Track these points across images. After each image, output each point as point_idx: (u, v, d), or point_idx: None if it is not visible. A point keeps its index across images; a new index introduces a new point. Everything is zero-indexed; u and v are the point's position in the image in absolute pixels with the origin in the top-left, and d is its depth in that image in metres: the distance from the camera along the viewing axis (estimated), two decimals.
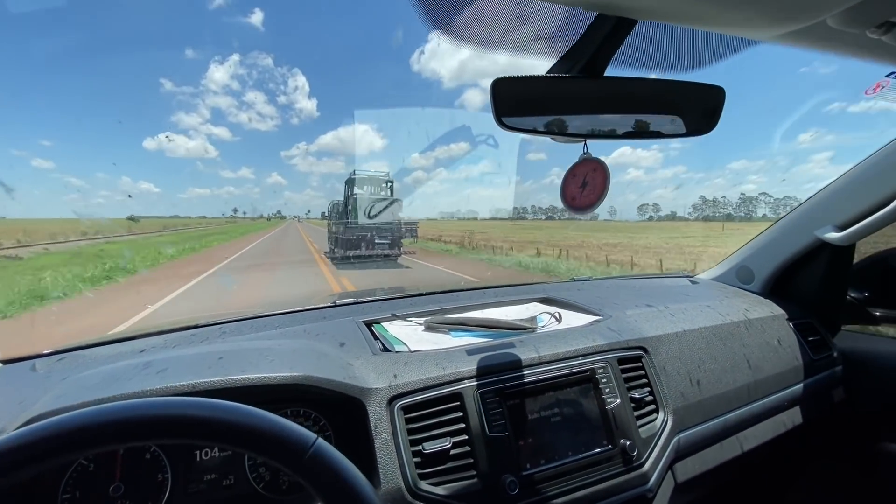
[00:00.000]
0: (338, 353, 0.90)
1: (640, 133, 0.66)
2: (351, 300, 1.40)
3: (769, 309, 1.33)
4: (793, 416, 1.20)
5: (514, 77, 0.61)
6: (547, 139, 0.71)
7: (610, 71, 0.65)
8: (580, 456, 0.82)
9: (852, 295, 1.44)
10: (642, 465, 0.86)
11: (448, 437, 0.77)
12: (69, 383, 0.76)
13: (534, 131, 0.65)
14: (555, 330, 1.03)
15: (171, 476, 0.76)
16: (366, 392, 0.79)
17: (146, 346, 0.94)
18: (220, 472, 0.79)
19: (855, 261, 1.43)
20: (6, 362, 0.95)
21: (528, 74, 0.63)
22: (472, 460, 0.76)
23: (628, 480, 0.84)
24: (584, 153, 0.70)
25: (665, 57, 0.66)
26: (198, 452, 0.79)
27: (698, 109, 0.65)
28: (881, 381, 1.30)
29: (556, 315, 1.13)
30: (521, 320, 1.07)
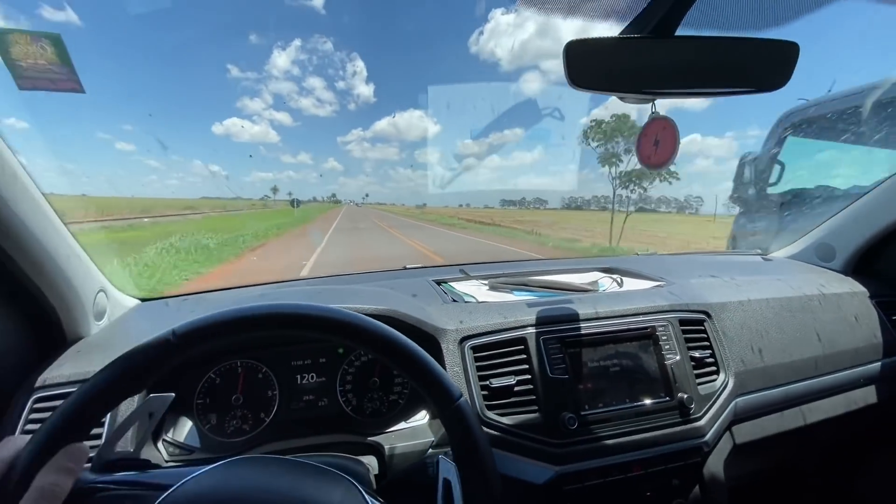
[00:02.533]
0: (412, 300, 1.01)
1: (710, 91, 0.69)
2: (420, 265, 1.52)
3: (849, 286, 1.27)
4: (866, 395, 1.16)
5: (585, 39, 0.66)
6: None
7: (681, 31, 0.68)
8: (637, 404, 0.87)
9: None
10: (699, 419, 0.89)
11: (513, 376, 0.85)
12: (203, 309, 0.93)
13: (604, 91, 0.69)
14: (615, 292, 1.07)
15: (279, 393, 0.91)
16: (440, 331, 0.89)
17: (260, 291, 1.11)
18: (317, 394, 0.93)
19: None
20: (143, 300, 1.15)
21: (599, 36, 0.67)
22: (534, 397, 0.84)
23: (685, 431, 0.87)
24: (653, 112, 0.73)
25: (737, 14, 0.68)
26: (299, 376, 0.93)
27: (769, 65, 0.66)
28: None
29: (618, 280, 1.17)
30: (582, 283, 1.12)
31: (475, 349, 0.87)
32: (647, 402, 0.87)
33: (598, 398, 0.86)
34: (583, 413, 0.83)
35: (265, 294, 1.05)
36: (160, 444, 0.80)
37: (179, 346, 0.46)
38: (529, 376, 0.85)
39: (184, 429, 0.85)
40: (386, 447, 0.82)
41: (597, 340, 0.90)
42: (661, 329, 0.94)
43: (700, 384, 0.93)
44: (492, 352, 0.87)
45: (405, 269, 1.50)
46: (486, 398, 0.84)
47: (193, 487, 0.46)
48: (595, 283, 1.13)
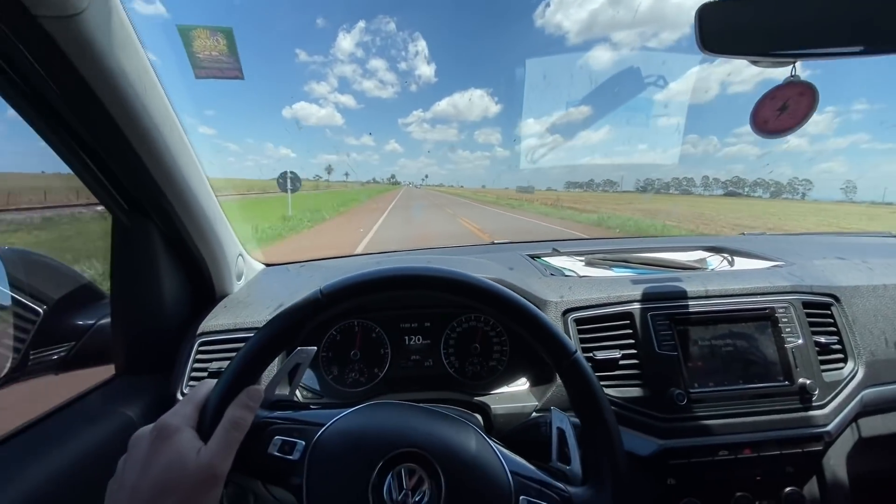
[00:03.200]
0: (511, 272, 1.04)
1: (872, 50, 0.62)
2: (508, 240, 1.55)
3: None
4: None
5: (721, 1, 0.63)
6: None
7: None
8: (751, 385, 0.83)
9: None
10: (822, 406, 0.84)
11: (618, 350, 0.85)
12: (322, 274, 1.04)
13: (739, 55, 0.65)
14: (727, 270, 1.02)
15: (390, 352, 0.99)
16: (542, 302, 0.91)
17: (376, 260, 1.21)
18: (423, 355, 1.01)
19: None
20: (268, 265, 1.30)
21: None
22: (639, 371, 0.84)
23: (804, 418, 0.83)
24: (792, 76, 0.68)
25: None
26: (407, 337, 1.01)
27: None
28: None
29: (728, 259, 1.11)
30: (688, 261, 1.08)
31: (578, 322, 0.89)
32: (764, 385, 0.84)
33: (709, 377, 0.84)
34: (692, 391, 0.82)
35: (380, 262, 1.14)
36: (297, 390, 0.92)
37: (326, 304, 0.53)
38: (635, 351, 0.85)
39: (310, 378, 0.97)
40: (491, 407, 0.87)
41: (709, 319, 0.87)
42: (781, 311, 0.88)
43: (825, 371, 0.87)
44: (596, 325, 0.88)
45: (493, 244, 1.53)
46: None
47: (346, 423, 0.53)
48: (703, 260, 1.08)
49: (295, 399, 0.63)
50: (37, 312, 0.85)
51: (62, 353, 0.89)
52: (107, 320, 0.91)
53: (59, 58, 0.53)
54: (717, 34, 0.63)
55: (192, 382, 0.85)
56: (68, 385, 0.86)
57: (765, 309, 0.88)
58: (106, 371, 0.91)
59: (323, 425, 0.52)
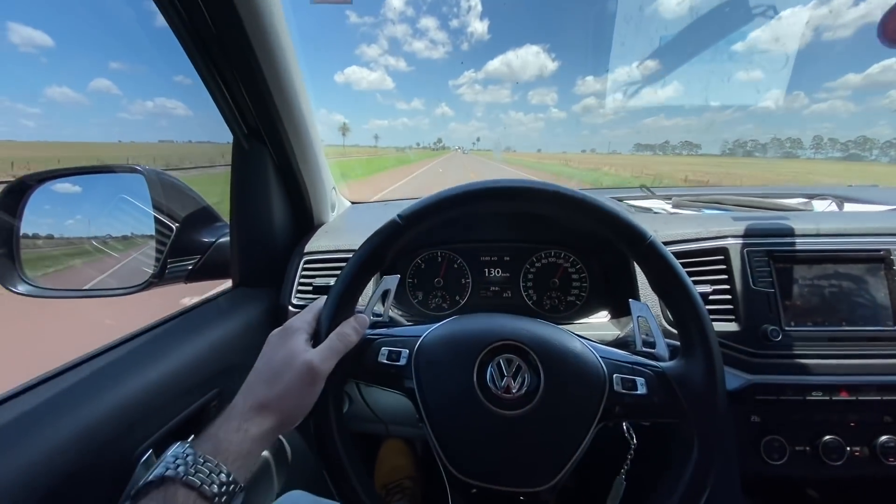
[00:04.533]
0: None
1: None
2: (591, 187, 1.52)
3: None
4: None
5: None
6: None
7: None
8: (856, 328, 0.79)
9: None
10: None
11: (709, 284, 0.84)
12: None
13: None
14: (836, 212, 0.95)
15: (471, 281, 1.04)
16: None
17: None
18: (502, 286, 1.05)
19: None
20: (353, 202, 1.38)
21: None
22: (731, 307, 0.82)
23: None
24: None
25: None
26: (486, 270, 1.05)
27: None
28: None
29: (837, 203, 1.02)
30: (791, 203, 1.01)
31: None
32: (870, 328, 0.79)
33: (808, 316, 0.81)
34: (787, 329, 0.79)
35: None
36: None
37: (404, 227, 0.56)
38: (728, 286, 0.83)
39: (397, 301, 1.05)
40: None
41: (812, 258, 0.83)
42: None
43: None
44: (686, 259, 0.86)
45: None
46: None
47: (443, 329, 0.59)
48: (808, 203, 1.01)
49: (390, 318, 0.69)
50: (171, 228, 0.98)
51: (190, 265, 1.02)
52: (225, 239, 1.03)
53: None
54: None
55: (299, 295, 0.95)
56: (193, 292, 1.00)
57: (879, 251, 0.82)
58: (223, 284, 1.04)
59: (420, 336, 0.58)
